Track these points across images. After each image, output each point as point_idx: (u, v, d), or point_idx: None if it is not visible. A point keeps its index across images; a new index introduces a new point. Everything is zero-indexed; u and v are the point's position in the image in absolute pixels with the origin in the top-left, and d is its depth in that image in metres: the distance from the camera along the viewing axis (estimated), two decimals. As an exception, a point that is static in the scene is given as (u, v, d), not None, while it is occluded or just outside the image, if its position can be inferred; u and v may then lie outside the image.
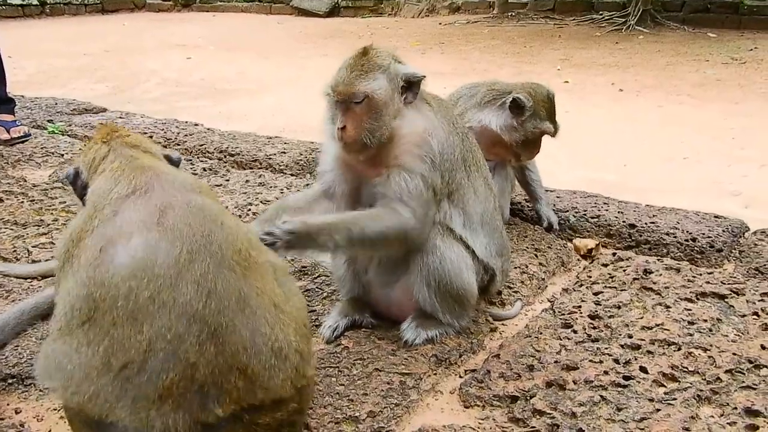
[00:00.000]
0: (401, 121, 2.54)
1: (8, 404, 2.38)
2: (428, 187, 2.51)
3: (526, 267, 3.28)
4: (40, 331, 2.75)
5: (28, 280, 3.24)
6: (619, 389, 2.29)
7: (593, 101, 9.60)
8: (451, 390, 2.45)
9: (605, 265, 3.29)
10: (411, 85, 2.57)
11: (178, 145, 5.71)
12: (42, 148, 5.52)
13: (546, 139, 3.61)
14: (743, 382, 2.30)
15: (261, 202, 4.23)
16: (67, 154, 5.43)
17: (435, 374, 2.50)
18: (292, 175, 4.92)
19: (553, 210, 3.88)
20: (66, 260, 1.90)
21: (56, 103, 7.31)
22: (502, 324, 2.92)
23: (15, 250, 3.55)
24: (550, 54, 13.77)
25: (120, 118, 6.69)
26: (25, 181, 4.76)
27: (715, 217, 3.92)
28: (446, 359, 2.57)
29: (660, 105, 9.42)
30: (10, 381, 2.47)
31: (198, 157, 5.40)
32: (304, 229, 2.42)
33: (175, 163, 2.26)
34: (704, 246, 3.49)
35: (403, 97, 2.56)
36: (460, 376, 2.54)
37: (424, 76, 2.61)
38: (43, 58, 13.07)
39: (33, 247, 3.57)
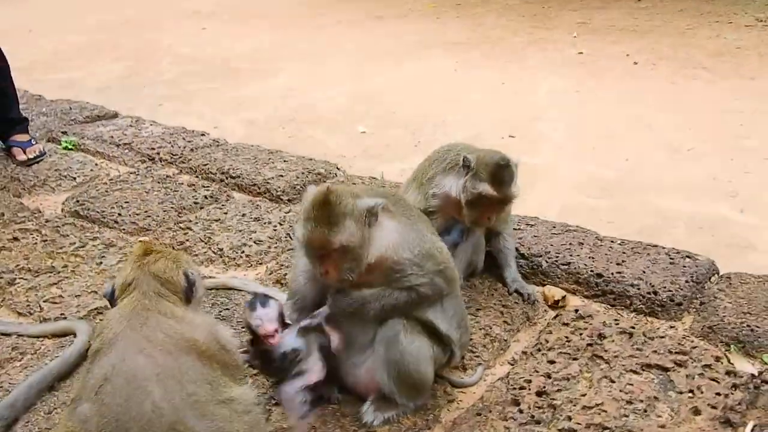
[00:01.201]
0: (373, 247, 2.75)
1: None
2: (429, 276, 2.83)
3: (490, 328, 3.52)
4: (48, 405, 3.11)
5: (41, 341, 3.61)
6: (549, 482, 2.57)
7: (605, 78, 9.45)
8: (403, 473, 2.76)
9: (566, 324, 3.52)
10: (371, 214, 2.74)
11: (184, 162, 5.97)
12: (56, 170, 5.85)
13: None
14: (662, 476, 2.55)
15: (254, 242, 4.52)
16: (78, 176, 5.75)
17: (390, 456, 2.81)
18: (288, 200, 5.18)
19: (521, 276, 3.99)
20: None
21: (71, 108, 7.58)
22: (461, 392, 3.19)
23: (29, 305, 3.91)
24: (568, 16, 13.45)
25: (130, 126, 6.97)
26: (40, 213, 5.11)
27: (687, 257, 4.08)
28: (402, 440, 2.87)
29: (673, 81, 9.27)
30: (21, 461, 2.84)
31: (201, 178, 5.67)
32: (344, 306, 2.85)
33: (190, 283, 2.52)
34: (665, 300, 3.68)
35: (367, 225, 2.74)
36: (413, 457, 2.85)
37: (383, 202, 2.78)
38: (62, 34, 13.24)
39: (44, 301, 3.92)
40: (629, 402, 2.90)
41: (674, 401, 2.91)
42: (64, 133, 6.78)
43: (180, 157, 6.05)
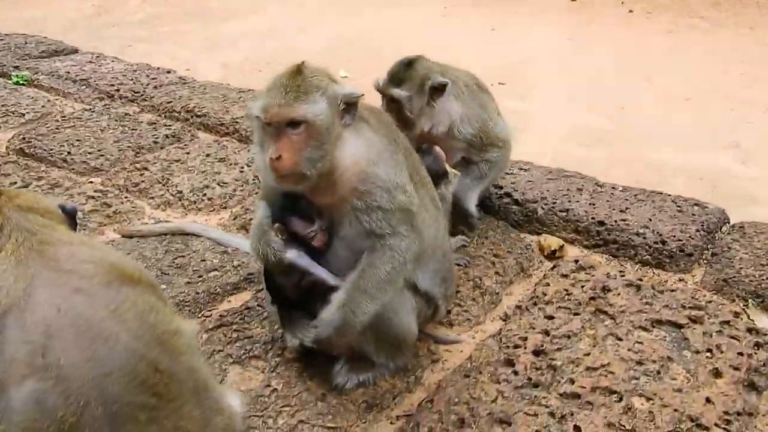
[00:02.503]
0: (342, 150, 2.32)
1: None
2: (397, 209, 2.35)
3: (480, 280, 3.13)
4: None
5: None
6: (549, 454, 2.20)
7: (598, 26, 9.04)
8: (380, 441, 2.38)
9: (565, 276, 3.13)
10: (349, 107, 2.33)
11: (146, 100, 5.46)
12: (2, 105, 5.30)
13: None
14: (680, 447, 2.20)
15: (218, 183, 4.05)
16: (28, 113, 5.21)
17: (364, 423, 2.42)
18: (258, 142, 4.70)
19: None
20: None
21: (26, 42, 6.98)
22: (446, 350, 2.81)
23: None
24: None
25: (90, 62, 6.40)
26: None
27: (695, 205, 3.70)
28: (378, 404, 2.48)
29: (670, 30, 8.87)
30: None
31: (164, 118, 5.16)
32: (326, 333, 2.39)
33: (70, 215, 2.06)
34: (674, 250, 3.30)
35: (342, 120, 2.33)
36: (392, 422, 2.46)
37: (362, 95, 2.37)
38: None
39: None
40: (639, 362, 2.53)
41: (690, 362, 2.55)
42: (16, 67, 6.20)
43: (142, 95, 5.52)
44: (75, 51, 6.89)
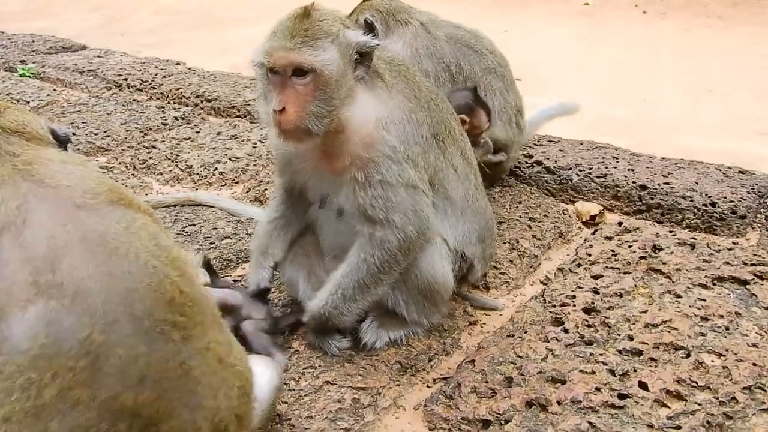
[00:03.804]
0: (352, 107, 2.04)
1: None
2: (401, 185, 2.07)
3: (517, 242, 2.86)
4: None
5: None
6: (613, 412, 1.91)
7: (613, 26, 8.89)
8: (416, 405, 2.10)
9: (609, 238, 2.86)
10: (363, 57, 2.05)
11: (154, 88, 5.27)
12: (7, 94, 5.12)
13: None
14: (764, 403, 1.91)
15: (230, 158, 3.82)
16: (33, 101, 5.02)
17: (398, 385, 2.14)
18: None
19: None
20: None
21: (33, 41, 6.85)
22: (484, 314, 2.54)
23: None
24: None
25: (98, 56, 6.25)
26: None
27: (740, 172, 3.44)
28: (412, 366, 2.21)
29: (686, 29, 8.69)
30: None
31: (173, 103, 4.97)
32: (313, 324, 2.24)
33: (62, 140, 1.82)
34: (725, 212, 3.03)
35: (355, 72, 2.06)
36: (428, 386, 2.18)
37: (378, 44, 2.09)
38: (36, -16, 12.43)
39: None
40: (705, 318, 2.25)
41: (762, 318, 2.26)
42: (23, 62, 6.05)
43: (150, 84, 5.33)
44: (83, 48, 6.76)
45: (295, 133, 2.01)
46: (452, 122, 2.39)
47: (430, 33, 3.15)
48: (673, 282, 2.49)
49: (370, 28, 2.96)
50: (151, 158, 3.87)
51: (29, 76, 5.71)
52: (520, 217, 3.05)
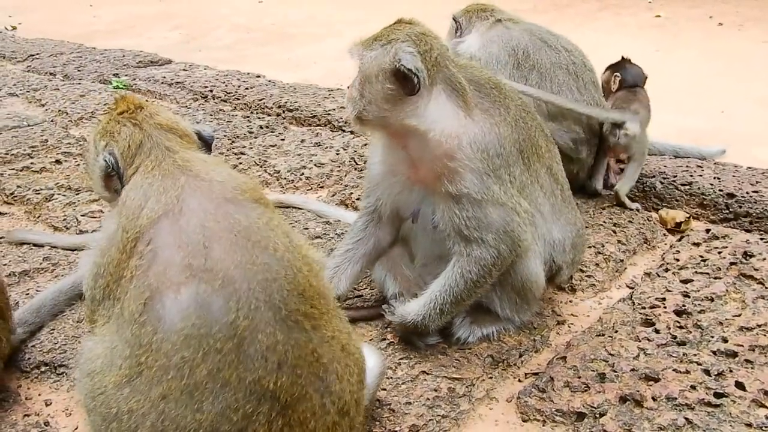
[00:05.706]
0: (424, 120, 2.15)
1: (39, 394, 2.28)
2: (488, 203, 2.16)
3: (602, 246, 2.89)
4: (77, 313, 2.64)
5: (75, 253, 3.16)
6: (710, 410, 1.93)
7: (687, 38, 8.71)
8: (508, 397, 2.16)
9: (696, 245, 2.86)
10: (406, 78, 2.11)
11: (238, 99, 5.53)
12: (104, 104, 5.46)
13: None
14: None
15: (315, 164, 3.99)
16: (127, 111, 5.34)
17: (490, 378, 2.21)
18: (350, 132, 4.63)
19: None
20: (105, 297, 1.63)
21: (123, 56, 7.27)
22: (572, 314, 2.58)
23: (65, 219, 3.48)
24: (640, -18, 12.62)
25: (183, 70, 6.58)
26: (85, 141, 4.71)
27: (834, 182, 3.36)
28: (504, 360, 2.28)
29: (764, 40, 8.45)
30: (42, 369, 2.37)
31: (257, 113, 5.20)
32: (402, 328, 2.34)
33: (207, 141, 2.00)
34: (819, 221, 2.98)
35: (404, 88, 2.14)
36: (520, 380, 2.25)
37: (410, 70, 2.10)
38: (121, 5, 13.15)
39: (82, 215, 3.48)
40: (801, 324, 2.24)
41: None
42: (116, 75, 6.44)
43: (234, 95, 5.60)
44: (169, 62, 7.12)
45: (350, 107, 2.28)
46: (540, 140, 2.40)
47: (505, 26, 3.41)
48: (766, 288, 2.48)
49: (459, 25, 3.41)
50: (240, 164, 4.08)
51: (122, 88, 6.06)
52: (605, 222, 3.08)
